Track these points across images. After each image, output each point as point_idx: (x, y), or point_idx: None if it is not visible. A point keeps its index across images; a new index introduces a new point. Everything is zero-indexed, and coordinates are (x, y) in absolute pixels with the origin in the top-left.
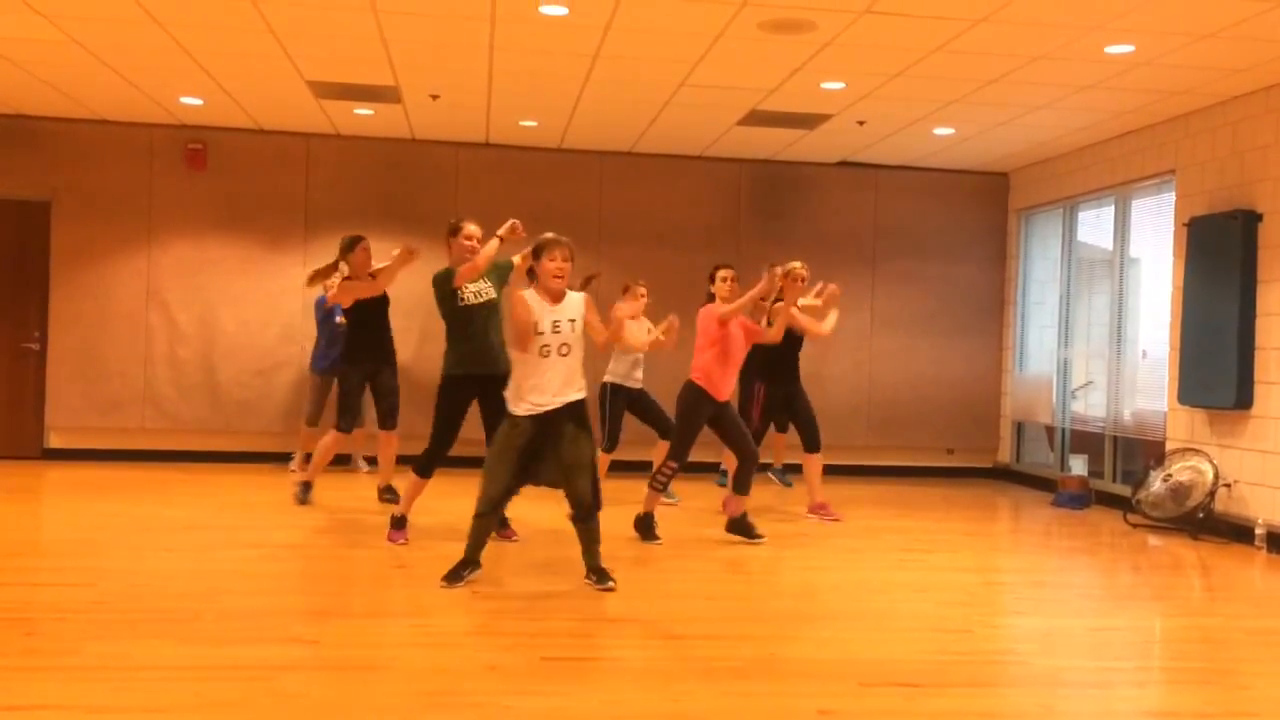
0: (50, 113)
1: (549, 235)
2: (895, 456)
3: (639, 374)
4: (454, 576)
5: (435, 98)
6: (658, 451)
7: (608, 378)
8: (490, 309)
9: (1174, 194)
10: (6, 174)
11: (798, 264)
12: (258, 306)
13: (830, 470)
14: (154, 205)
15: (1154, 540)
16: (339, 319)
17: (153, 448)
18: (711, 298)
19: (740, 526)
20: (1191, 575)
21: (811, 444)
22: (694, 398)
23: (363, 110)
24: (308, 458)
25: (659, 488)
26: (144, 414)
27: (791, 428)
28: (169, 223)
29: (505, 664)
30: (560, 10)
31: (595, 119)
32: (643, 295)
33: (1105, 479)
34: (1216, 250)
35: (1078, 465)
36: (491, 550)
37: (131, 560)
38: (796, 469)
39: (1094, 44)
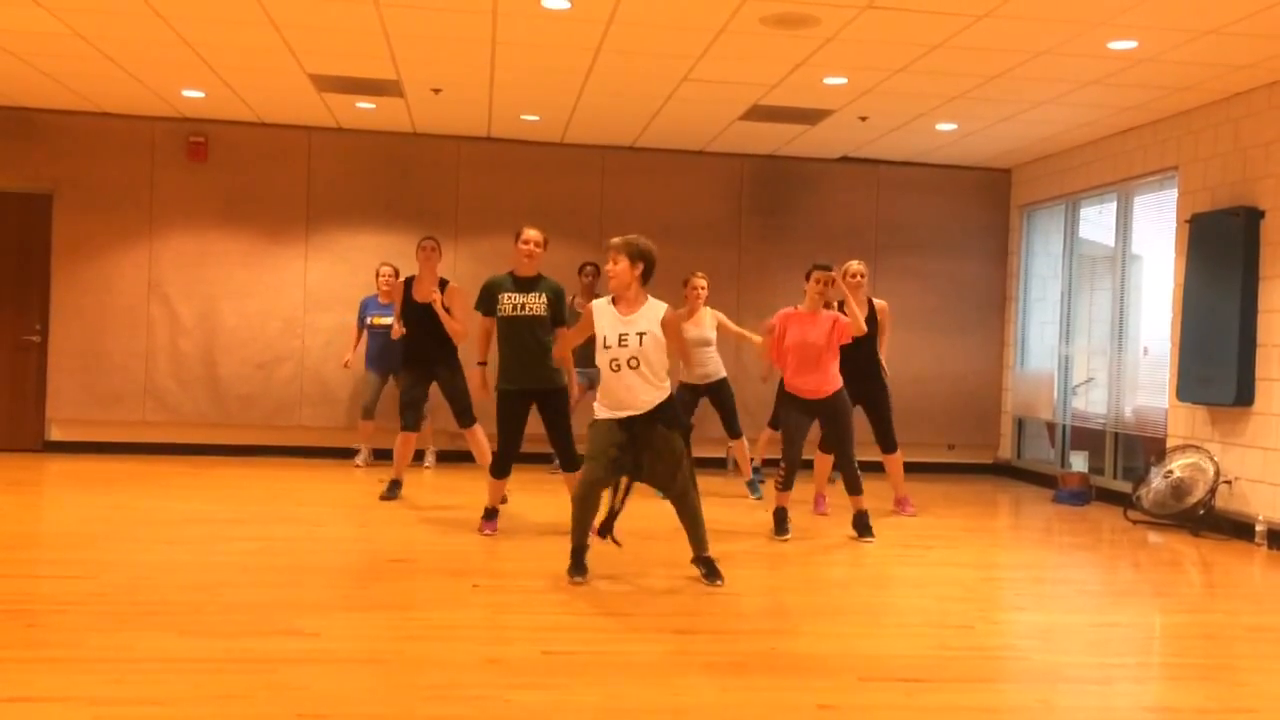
0: (52, 105)
1: (611, 240)
2: None
3: (705, 369)
4: (578, 568)
5: (437, 91)
6: (735, 452)
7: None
8: (530, 323)
9: (1176, 190)
10: (8, 166)
11: (855, 262)
12: (259, 300)
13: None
14: (155, 198)
15: (1154, 537)
16: (371, 319)
17: (153, 441)
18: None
19: (777, 519)
20: (1192, 572)
21: (886, 444)
22: (781, 400)
23: (364, 104)
24: (374, 452)
25: (780, 486)
26: (145, 407)
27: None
28: (170, 216)
29: (506, 657)
30: (562, 4)
31: (597, 113)
32: (701, 289)
33: (1106, 475)
34: (1218, 247)
35: (1078, 461)
36: (492, 544)
37: (132, 553)
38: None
39: (1097, 39)
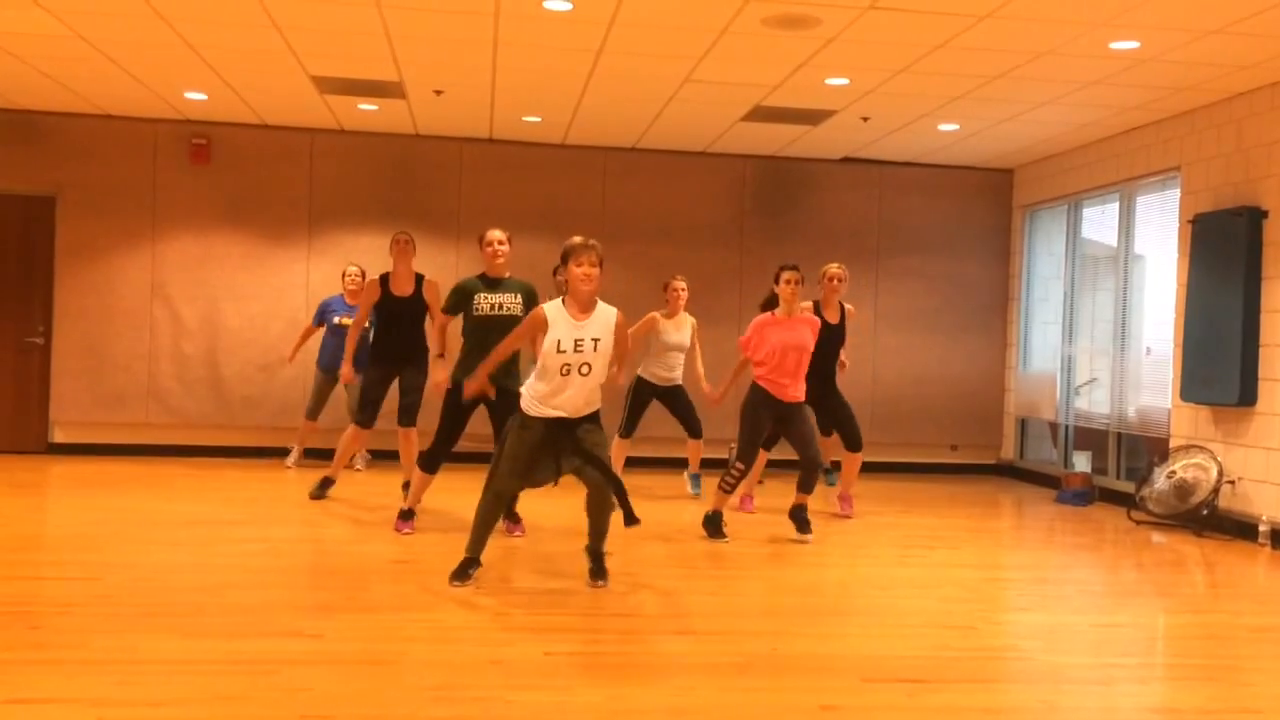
0: (55, 108)
1: (576, 240)
2: (899, 453)
3: (672, 374)
4: (462, 575)
5: (439, 93)
6: (689, 450)
7: (639, 371)
8: (508, 323)
9: (1179, 191)
10: (11, 169)
11: (834, 265)
12: (261, 301)
13: (834, 466)
14: (158, 200)
15: (1157, 537)
16: (337, 319)
17: (156, 442)
18: (772, 300)
19: (711, 523)
20: (1195, 572)
21: (854, 444)
22: (753, 400)
23: (367, 106)
24: (306, 452)
25: (726, 489)
26: (148, 409)
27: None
28: (173, 218)
29: (508, 659)
30: (564, 5)
31: (599, 115)
32: (682, 290)
33: (1109, 476)
34: (1221, 247)
35: (1081, 462)
36: (497, 545)
37: (136, 554)
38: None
39: (1099, 40)
